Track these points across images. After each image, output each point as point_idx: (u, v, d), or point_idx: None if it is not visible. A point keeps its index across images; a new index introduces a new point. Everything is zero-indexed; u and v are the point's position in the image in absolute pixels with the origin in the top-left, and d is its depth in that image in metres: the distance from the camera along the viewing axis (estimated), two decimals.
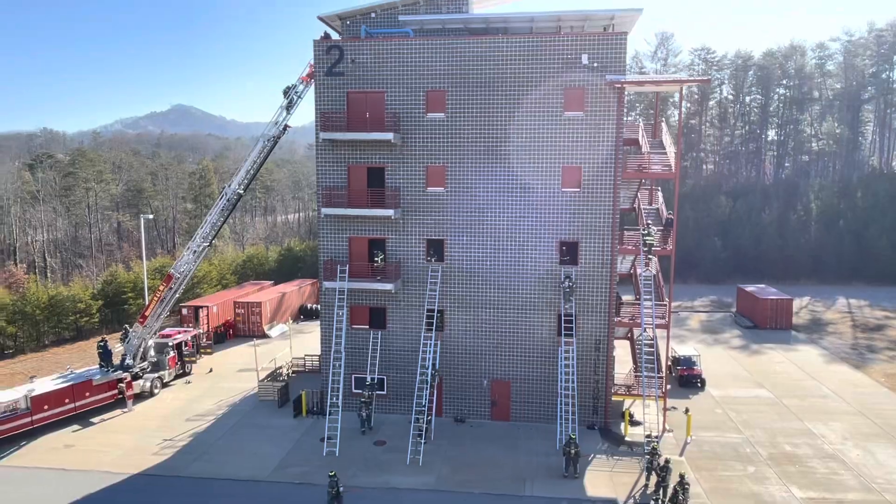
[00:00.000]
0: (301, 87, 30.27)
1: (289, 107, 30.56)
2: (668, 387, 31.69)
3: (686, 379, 34.54)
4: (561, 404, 27.29)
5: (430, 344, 28.55)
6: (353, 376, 30.43)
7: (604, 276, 28.10)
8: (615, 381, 29.92)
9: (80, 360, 41.13)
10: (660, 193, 34.66)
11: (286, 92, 30.39)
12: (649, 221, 30.39)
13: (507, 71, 27.78)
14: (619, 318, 29.32)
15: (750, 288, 51.80)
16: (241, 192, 32.23)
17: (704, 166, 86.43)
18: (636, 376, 30.08)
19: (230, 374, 38.19)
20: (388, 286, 28.79)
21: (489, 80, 27.96)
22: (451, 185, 28.75)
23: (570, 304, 27.85)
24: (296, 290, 54.30)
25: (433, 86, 28.34)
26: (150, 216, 63.58)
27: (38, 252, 70.03)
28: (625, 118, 28.03)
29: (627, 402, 31.44)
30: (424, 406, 27.17)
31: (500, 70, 27.83)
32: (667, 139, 31.12)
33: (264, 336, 47.09)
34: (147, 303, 34.99)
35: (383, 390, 30.27)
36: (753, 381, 35.89)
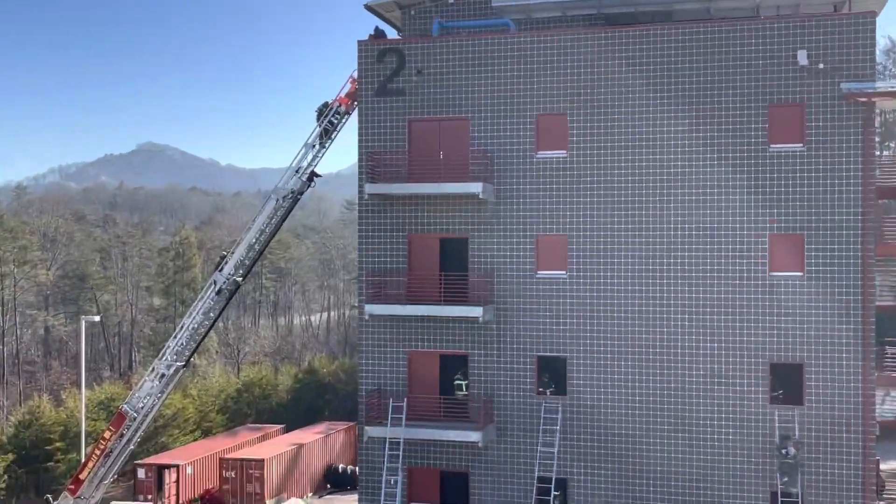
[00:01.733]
0: (342, 112, 31.48)
1: (321, 139, 31.68)
2: None
3: None
4: None
5: None
6: None
7: (852, 425, 26.91)
8: None
9: None
10: None
11: (320, 115, 31.68)
12: None
13: (670, 81, 28.17)
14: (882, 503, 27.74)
15: None
16: (240, 280, 33.38)
17: None
18: None
19: None
20: (473, 436, 28.60)
21: (639, 98, 28.38)
22: (576, 266, 28.89)
23: (794, 477, 26.65)
24: (320, 441, 54.76)
25: (547, 108, 29.07)
26: (97, 318, 66.44)
27: None
28: (879, 153, 27.45)
29: None
30: None
31: (658, 80, 28.25)
32: None
33: None
34: (84, 459, 36.11)
35: None
36: None
